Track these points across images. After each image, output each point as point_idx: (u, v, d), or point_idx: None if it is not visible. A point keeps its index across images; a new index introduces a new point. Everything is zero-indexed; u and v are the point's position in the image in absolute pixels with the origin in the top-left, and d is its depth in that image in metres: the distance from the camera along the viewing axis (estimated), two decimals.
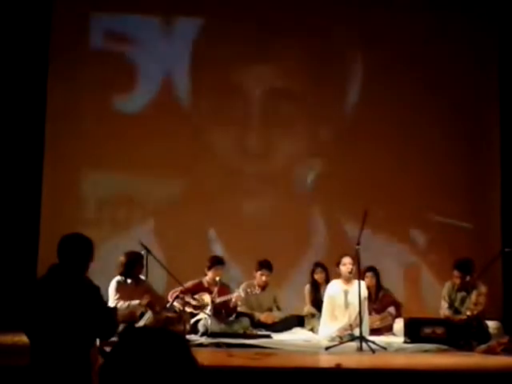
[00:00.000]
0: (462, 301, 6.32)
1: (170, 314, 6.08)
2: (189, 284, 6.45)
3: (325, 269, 6.88)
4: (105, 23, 7.86)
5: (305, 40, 7.89)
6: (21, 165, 7.60)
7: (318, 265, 6.98)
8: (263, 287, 6.75)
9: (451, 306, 6.32)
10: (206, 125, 7.89)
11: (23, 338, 5.83)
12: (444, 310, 6.34)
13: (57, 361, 3.27)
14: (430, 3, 8.00)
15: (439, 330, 5.87)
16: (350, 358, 5.13)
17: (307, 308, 6.87)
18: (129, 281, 6.12)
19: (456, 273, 6.28)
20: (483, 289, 6.26)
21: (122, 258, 6.13)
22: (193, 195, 7.79)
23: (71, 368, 3.27)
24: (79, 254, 3.47)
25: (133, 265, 6.10)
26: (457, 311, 6.30)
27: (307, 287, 6.98)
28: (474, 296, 6.25)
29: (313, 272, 6.95)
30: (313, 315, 6.75)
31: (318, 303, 6.64)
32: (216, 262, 6.57)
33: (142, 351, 3.36)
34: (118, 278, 6.11)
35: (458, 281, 6.29)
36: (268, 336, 6.25)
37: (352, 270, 6.23)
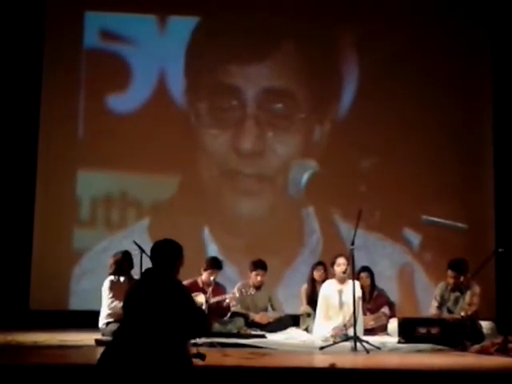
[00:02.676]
0: (456, 301, 6.33)
1: None
2: (183, 283, 6.43)
3: (326, 269, 6.86)
4: (99, 22, 7.84)
5: (300, 41, 7.90)
6: (15, 164, 7.59)
7: (319, 263, 6.98)
8: (258, 287, 6.75)
9: (441, 305, 6.33)
10: (201, 124, 7.89)
11: (16, 338, 5.85)
12: (433, 309, 6.36)
13: (155, 358, 3.40)
14: (425, 2, 8.03)
15: (433, 330, 5.88)
16: (344, 357, 5.13)
17: (303, 307, 6.87)
18: (122, 279, 6.13)
19: (450, 273, 6.29)
20: (477, 289, 6.27)
21: (111, 259, 6.22)
22: (188, 195, 7.79)
23: (171, 365, 3.42)
24: (170, 257, 3.72)
25: (122, 262, 6.14)
26: (450, 311, 6.31)
27: (304, 287, 6.98)
28: (467, 296, 6.26)
29: (313, 270, 6.94)
30: (308, 315, 6.75)
31: (314, 303, 6.64)
32: (214, 265, 6.52)
33: (136, 350, 3.39)
34: (111, 277, 6.13)
35: (451, 281, 6.30)
36: (262, 336, 6.25)
37: (346, 270, 6.24)
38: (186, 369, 3.47)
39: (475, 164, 8.02)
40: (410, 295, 7.74)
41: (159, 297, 3.53)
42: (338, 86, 8.02)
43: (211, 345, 5.54)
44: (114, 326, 5.83)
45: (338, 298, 6.32)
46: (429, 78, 7.91)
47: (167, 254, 3.72)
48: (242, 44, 7.84)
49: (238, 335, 6.17)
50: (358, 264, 6.40)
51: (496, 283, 7.62)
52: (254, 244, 7.61)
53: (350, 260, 5.83)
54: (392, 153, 7.88)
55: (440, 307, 6.34)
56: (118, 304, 5.95)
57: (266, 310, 6.84)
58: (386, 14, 7.96)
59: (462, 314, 6.13)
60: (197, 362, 3.71)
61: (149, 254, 6.28)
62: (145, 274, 3.72)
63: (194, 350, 3.74)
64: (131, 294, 3.66)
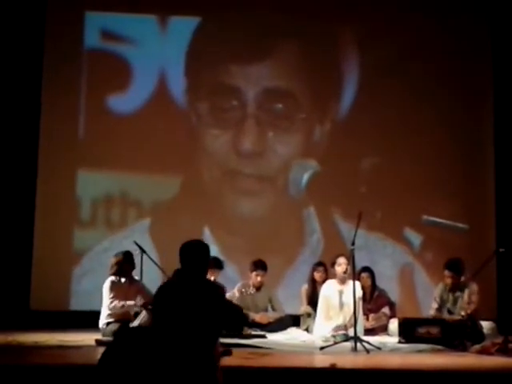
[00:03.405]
0: (455, 301, 6.31)
1: None
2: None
3: (326, 269, 6.85)
4: (100, 22, 7.85)
5: (301, 41, 7.89)
6: (15, 165, 7.59)
7: (320, 264, 6.97)
8: (258, 287, 6.76)
9: (441, 307, 6.31)
10: (201, 125, 7.89)
11: (17, 338, 5.86)
12: (432, 311, 6.35)
13: (185, 358, 3.43)
14: (425, 2, 8.03)
15: (433, 330, 5.87)
16: (345, 358, 5.13)
17: (304, 307, 6.87)
18: (122, 280, 6.13)
19: (447, 273, 6.27)
20: (475, 287, 6.25)
21: (112, 260, 6.20)
22: (188, 195, 7.80)
23: (199, 366, 3.46)
24: (202, 258, 3.77)
25: (124, 263, 6.14)
26: (450, 312, 6.30)
27: (304, 287, 6.98)
28: (466, 295, 6.25)
29: (313, 271, 6.93)
30: (309, 315, 6.75)
31: (314, 303, 6.64)
32: (214, 265, 6.53)
33: (136, 350, 3.38)
34: (112, 277, 6.13)
35: (449, 281, 6.29)
36: (263, 336, 6.25)
37: (347, 270, 6.24)
38: (211, 372, 3.50)
39: (476, 162, 8.01)
40: (411, 295, 7.73)
41: (197, 297, 3.56)
42: (338, 85, 8.02)
43: None
44: (114, 327, 5.85)
45: (339, 298, 6.32)
46: (429, 75, 7.91)
47: (199, 254, 3.75)
48: (243, 44, 7.84)
49: (239, 335, 6.16)
50: (359, 264, 6.40)
51: (497, 283, 7.61)
52: (254, 244, 7.61)
53: (351, 260, 5.83)
54: (392, 152, 7.87)
55: (440, 309, 6.32)
56: (118, 304, 5.96)
57: (266, 310, 6.84)
58: (387, 12, 7.96)
59: (462, 313, 6.11)
60: (224, 359, 3.76)
61: (150, 254, 6.38)
62: (177, 275, 3.72)
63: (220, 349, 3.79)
64: (164, 295, 3.64)
